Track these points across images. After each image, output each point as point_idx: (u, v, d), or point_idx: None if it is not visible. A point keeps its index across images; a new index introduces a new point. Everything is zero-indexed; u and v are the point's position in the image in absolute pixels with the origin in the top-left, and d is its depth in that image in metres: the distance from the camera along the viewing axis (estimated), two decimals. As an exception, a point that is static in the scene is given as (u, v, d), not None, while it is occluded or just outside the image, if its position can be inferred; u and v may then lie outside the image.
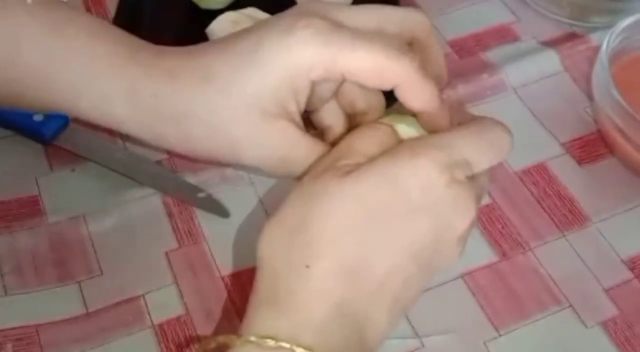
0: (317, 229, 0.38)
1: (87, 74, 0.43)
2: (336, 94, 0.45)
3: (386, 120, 0.44)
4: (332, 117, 0.45)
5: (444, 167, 0.39)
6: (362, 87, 0.43)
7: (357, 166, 0.39)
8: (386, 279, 0.38)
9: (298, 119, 0.42)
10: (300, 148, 0.42)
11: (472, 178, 0.40)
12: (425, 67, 0.42)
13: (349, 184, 0.38)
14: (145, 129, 0.43)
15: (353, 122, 0.45)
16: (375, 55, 0.40)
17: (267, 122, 0.41)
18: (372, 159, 0.40)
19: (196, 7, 0.67)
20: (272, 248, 0.39)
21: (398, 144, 0.41)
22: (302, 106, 0.42)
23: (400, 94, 0.41)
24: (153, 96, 0.42)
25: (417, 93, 0.41)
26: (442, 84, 0.45)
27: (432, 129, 0.43)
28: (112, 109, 0.43)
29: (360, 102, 0.44)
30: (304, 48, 0.40)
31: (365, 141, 0.41)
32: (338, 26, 0.41)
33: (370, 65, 0.40)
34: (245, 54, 0.41)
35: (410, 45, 0.44)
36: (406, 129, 0.43)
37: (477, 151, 0.40)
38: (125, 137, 0.58)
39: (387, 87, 0.42)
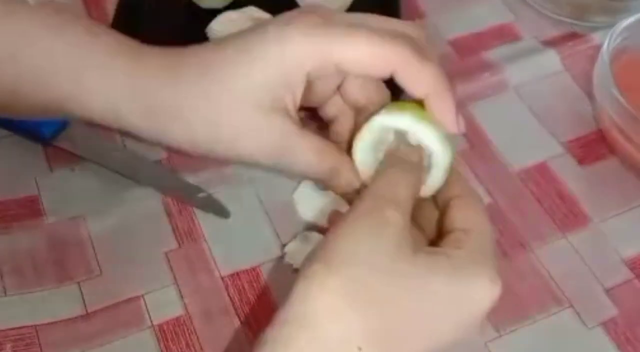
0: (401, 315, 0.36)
1: (88, 73, 0.43)
2: (339, 91, 0.45)
3: (383, 111, 0.42)
4: (337, 109, 0.45)
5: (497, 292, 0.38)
6: (362, 82, 0.43)
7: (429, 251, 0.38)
8: None
9: (294, 113, 0.43)
10: (296, 141, 0.42)
11: None
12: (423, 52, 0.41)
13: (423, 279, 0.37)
14: (149, 126, 0.43)
15: (358, 116, 0.45)
16: (368, 41, 0.40)
17: (262, 114, 0.41)
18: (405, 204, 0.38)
19: (196, 7, 0.67)
20: (332, 305, 0.35)
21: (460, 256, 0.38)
22: (298, 100, 0.42)
23: (400, 81, 0.41)
24: (156, 92, 0.42)
25: (416, 76, 0.41)
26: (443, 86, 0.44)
27: (439, 115, 0.41)
28: (116, 107, 0.43)
29: (363, 98, 0.44)
30: (298, 42, 0.41)
31: (396, 187, 0.40)
32: (331, 20, 0.41)
33: (364, 52, 0.40)
34: (241, 50, 0.42)
35: None
36: (390, 119, 0.41)
37: None
38: (125, 137, 0.58)
39: (385, 75, 0.41)
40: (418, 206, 0.41)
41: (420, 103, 0.42)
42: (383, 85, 0.44)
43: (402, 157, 0.41)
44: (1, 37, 0.43)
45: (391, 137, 0.42)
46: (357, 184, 0.43)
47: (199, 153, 0.45)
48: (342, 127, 0.45)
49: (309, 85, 0.42)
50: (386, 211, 0.37)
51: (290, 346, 0.35)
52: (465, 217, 0.40)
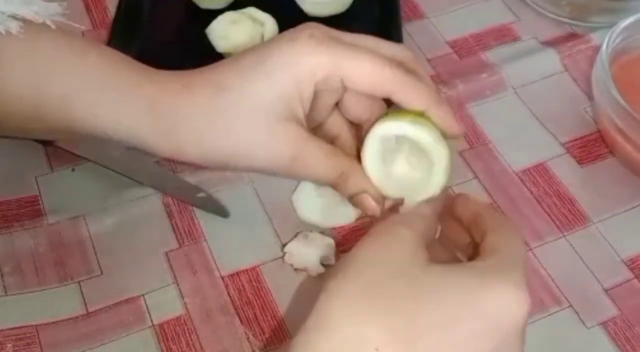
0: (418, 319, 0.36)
1: (107, 95, 0.44)
2: (339, 108, 0.47)
3: (380, 121, 0.44)
4: (337, 127, 0.48)
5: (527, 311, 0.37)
6: (359, 97, 0.45)
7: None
8: None
9: (304, 121, 0.44)
10: (310, 147, 0.44)
11: None
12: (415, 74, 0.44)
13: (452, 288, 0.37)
14: (167, 146, 0.45)
15: (360, 131, 0.47)
16: (372, 62, 0.43)
17: (279, 125, 0.43)
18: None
19: (196, 7, 0.67)
20: (347, 309, 0.36)
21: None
22: (307, 109, 0.44)
23: (398, 100, 0.44)
24: (175, 112, 0.44)
25: (413, 96, 0.43)
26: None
27: (441, 122, 0.43)
28: (133, 125, 0.44)
29: (363, 112, 0.46)
30: (309, 55, 0.43)
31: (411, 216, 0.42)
32: (337, 37, 0.44)
33: (367, 71, 0.43)
34: (254, 65, 0.44)
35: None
36: (397, 125, 0.43)
37: None
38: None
39: (382, 94, 0.44)
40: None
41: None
42: (379, 98, 0.46)
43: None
44: (26, 65, 0.44)
45: (394, 144, 0.44)
46: (365, 187, 0.44)
47: (211, 166, 0.46)
48: (345, 143, 0.47)
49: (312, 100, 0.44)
50: (400, 228, 0.39)
51: (310, 349, 0.35)
52: (498, 238, 0.40)
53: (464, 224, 0.44)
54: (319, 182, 0.46)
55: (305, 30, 0.44)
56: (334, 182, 0.45)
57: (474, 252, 0.42)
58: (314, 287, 0.39)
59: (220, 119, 0.44)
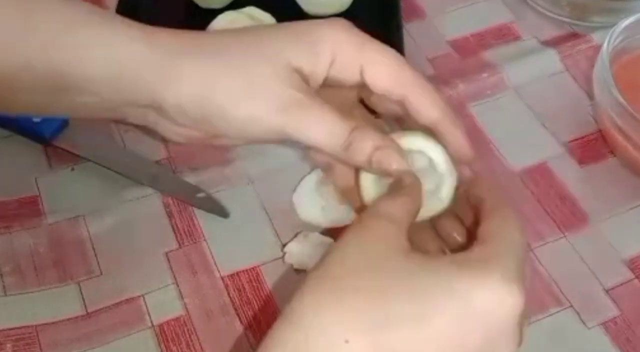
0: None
1: (95, 29, 0.42)
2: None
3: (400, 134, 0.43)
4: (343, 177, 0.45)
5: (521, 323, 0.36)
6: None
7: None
8: None
9: (314, 86, 0.42)
10: (317, 99, 0.41)
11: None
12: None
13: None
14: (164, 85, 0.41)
15: None
16: (396, 56, 0.42)
17: (288, 72, 0.41)
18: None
19: (196, 6, 0.67)
20: (317, 300, 0.35)
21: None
22: (320, 79, 0.42)
23: (413, 104, 0.42)
24: (173, 48, 0.42)
25: (430, 99, 0.42)
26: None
27: (452, 139, 0.42)
28: (126, 59, 0.41)
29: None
30: (335, 29, 0.42)
31: (391, 205, 0.39)
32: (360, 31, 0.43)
33: (391, 61, 0.42)
34: (281, 26, 0.44)
35: None
36: (415, 140, 0.42)
37: None
38: (125, 136, 0.58)
39: (398, 95, 0.42)
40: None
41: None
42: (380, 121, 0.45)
43: (399, 181, 0.40)
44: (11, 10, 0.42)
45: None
46: (384, 142, 0.41)
47: (211, 133, 0.43)
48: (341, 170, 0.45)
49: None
50: (378, 221, 0.37)
51: (281, 340, 0.34)
52: (491, 226, 0.38)
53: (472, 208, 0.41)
54: (330, 141, 0.41)
55: (338, 18, 0.43)
56: (346, 141, 0.40)
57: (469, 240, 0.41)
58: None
59: (228, 53, 0.41)
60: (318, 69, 0.42)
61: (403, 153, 0.40)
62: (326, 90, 0.43)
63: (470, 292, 0.34)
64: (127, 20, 0.43)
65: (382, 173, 0.41)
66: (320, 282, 0.35)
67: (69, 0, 0.43)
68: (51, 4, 0.43)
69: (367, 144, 0.40)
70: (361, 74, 0.42)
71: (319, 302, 0.34)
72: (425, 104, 0.42)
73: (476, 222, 0.39)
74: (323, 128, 0.40)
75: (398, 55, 0.43)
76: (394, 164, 0.40)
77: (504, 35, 0.67)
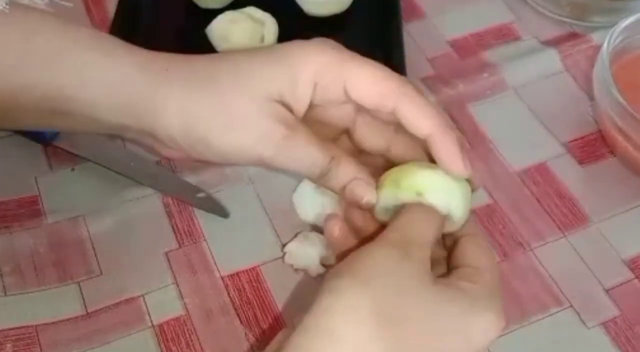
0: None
1: (94, 55, 0.43)
2: (353, 139, 0.46)
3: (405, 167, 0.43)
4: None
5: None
6: (372, 123, 0.45)
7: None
8: None
9: (297, 114, 0.43)
10: (302, 128, 0.43)
11: None
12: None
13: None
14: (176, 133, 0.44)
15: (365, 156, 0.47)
16: (378, 69, 0.43)
17: (271, 104, 0.42)
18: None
19: (195, 7, 0.67)
20: (356, 320, 0.37)
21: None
22: (303, 106, 0.43)
23: (403, 115, 0.42)
24: (165, 70, 0.43)
25: (420, 110, 0.42)
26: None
27: (444, 154, 0.42)
28: (122, 82, 0.43)
29: (378, 141, 0.46)
30: (313, 50, 0.43)
31: (421, 227, 0.41)
32: (344, 49, 0.44)
33: (374, 72, 0.42)
34: (259, 52, 0.45)
35: None
36: (422, 171, 0.42)
37: None
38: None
39: (387, 107, 0.42)
40: None
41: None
42: (390, 126, 0.45)
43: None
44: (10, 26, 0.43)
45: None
46: (357, 173, 0.43)
47: (192, 153, 0.45)
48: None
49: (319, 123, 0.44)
50: (412, 247, 0.39)
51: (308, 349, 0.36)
52: (477, 255, 0.42)
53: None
54: (309, 169, 0.43)
55: (318, 38, 0.44)
56: (324, 169, 0.43)
57: (449, 255, 0.43)
58: (314, 287, 0.39)
59: (211, 85, 0.43)
60: (300, 94, 0.43)
61: (372, 186, 0.43)
62: (316, 117, 0.45)
63: (474, 324, 0.39)
64: (127, 45, 0.45)
65: (354, 204, 0.43)
66: (354, 294, 0.37)
67: (69, 24, 0.44)
68: (52, 27, 0.44)
69: (342, 175, 0.43)
70: (347, 91, 0.43)
71: (354, 318, 0.36)
72: (414, 115, 0.42)
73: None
74: (301, 157, 0.43)
75: (382, 66, 0.43)
76: (366, 196, 0.43)
77: (504, 35, 0.67)
